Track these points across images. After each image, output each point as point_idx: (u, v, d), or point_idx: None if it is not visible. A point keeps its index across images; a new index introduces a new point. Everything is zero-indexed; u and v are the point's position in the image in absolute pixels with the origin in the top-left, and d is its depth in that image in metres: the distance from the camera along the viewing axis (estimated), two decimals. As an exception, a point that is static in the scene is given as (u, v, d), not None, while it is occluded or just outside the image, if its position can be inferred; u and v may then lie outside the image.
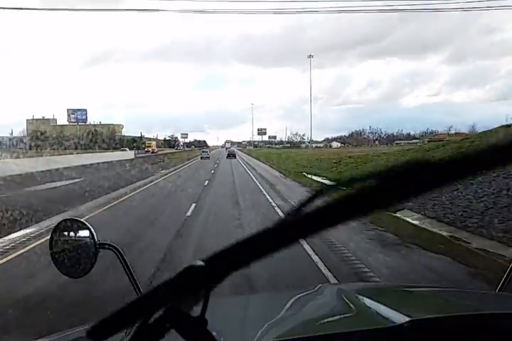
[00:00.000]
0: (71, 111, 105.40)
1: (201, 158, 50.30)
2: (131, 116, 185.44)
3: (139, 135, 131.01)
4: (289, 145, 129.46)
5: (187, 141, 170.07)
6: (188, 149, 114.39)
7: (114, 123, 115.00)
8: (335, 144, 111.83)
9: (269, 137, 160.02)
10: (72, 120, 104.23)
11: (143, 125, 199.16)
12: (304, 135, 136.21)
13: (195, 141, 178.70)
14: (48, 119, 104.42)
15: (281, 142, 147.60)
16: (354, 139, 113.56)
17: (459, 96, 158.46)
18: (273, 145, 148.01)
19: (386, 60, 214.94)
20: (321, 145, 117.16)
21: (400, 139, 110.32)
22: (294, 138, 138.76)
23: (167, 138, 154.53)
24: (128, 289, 1.48)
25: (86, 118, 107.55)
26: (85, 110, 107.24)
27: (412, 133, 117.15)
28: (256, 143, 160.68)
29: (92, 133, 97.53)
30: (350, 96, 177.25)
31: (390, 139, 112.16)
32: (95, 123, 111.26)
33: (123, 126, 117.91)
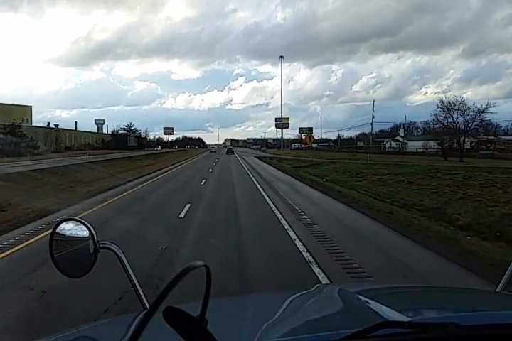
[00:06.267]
0: None
1: (211, 151, 78.12)
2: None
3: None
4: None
5: (173, 138, 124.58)
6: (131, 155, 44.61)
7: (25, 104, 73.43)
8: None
9: (301, 130, 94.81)
10: None
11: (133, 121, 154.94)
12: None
13: (185, 138, 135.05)
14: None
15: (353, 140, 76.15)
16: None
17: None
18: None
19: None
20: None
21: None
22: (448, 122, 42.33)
23: (120, 131, 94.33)
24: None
25: None
26: None
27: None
28: (269, 140, 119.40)
29: None
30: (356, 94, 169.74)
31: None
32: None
33: (30, 107, 74.41)
